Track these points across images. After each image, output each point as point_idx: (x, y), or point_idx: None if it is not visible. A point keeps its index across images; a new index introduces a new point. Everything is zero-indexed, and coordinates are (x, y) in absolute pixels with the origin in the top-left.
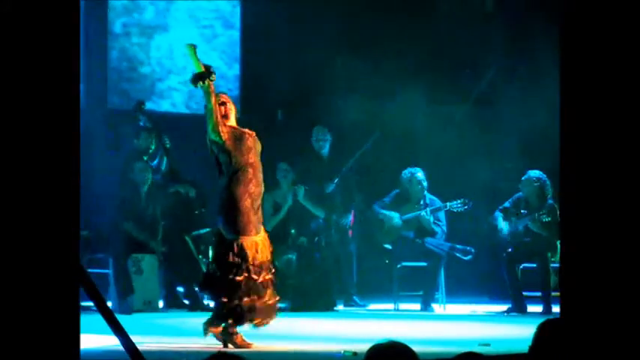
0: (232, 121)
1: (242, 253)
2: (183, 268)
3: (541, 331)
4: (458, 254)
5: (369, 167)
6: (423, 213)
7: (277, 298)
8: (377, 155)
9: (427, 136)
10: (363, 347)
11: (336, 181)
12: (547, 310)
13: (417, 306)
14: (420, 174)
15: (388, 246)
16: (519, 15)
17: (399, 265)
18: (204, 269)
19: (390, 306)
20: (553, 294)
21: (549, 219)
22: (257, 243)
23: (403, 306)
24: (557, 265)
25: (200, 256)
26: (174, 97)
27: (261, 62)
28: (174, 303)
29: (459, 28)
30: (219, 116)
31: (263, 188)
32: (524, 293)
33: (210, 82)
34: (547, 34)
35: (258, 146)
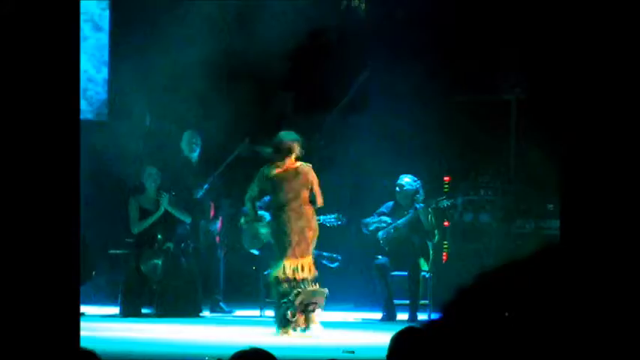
0: None
1: None
2: None
3: (397, 339)
4: (325, 262)
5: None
6: None
7: None
8: (247, 162)
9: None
10: (227, 353)
11: (205, 186)
12: (413, 318)
13: None
14: None
15: (255, 252)
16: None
17: (265, 272)
18: None
19: (256, 312)
20: (421, 302)
21: (449, 203)
22: None
23: (269, 313)
24: (427, 273)
25: None
26: None
27: (129, 66)
28: None
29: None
30: None
31: None
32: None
33: None
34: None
35: None
